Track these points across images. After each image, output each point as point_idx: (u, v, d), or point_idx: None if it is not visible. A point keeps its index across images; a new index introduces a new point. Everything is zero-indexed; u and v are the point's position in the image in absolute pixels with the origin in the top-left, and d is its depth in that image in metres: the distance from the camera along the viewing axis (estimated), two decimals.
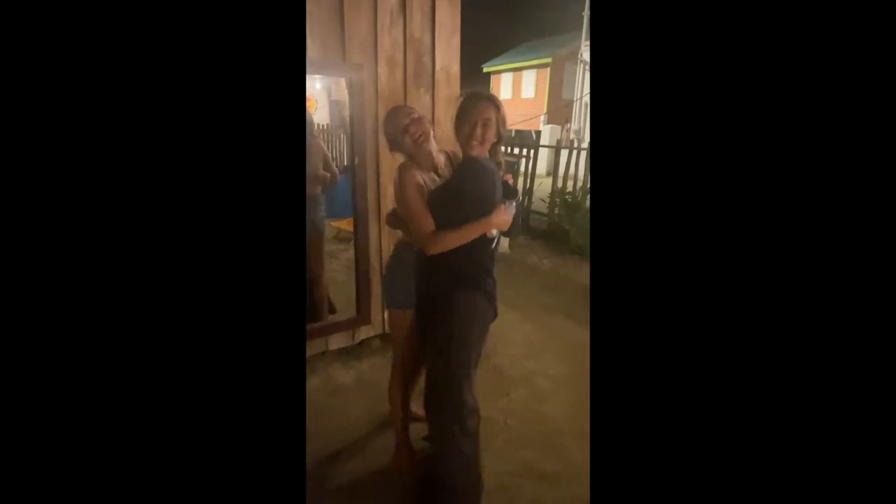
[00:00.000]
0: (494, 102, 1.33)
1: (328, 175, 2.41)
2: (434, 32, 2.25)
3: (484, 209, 1.30)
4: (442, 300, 1.36)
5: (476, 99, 1.33)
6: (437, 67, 2.31)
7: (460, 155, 1.40)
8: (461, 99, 1.36)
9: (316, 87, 7.13)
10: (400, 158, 1.43)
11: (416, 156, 1.40)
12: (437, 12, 2.24)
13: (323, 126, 6.99)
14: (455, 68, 2.37)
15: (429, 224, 1.31)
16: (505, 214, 1.34)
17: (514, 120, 14.84)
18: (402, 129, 1.39)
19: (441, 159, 1.45)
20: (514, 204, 1.38)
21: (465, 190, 1.30)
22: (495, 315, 1.44)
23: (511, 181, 1.48)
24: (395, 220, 1.53)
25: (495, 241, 1.39)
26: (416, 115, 1.40)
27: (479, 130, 1.29)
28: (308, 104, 7.19)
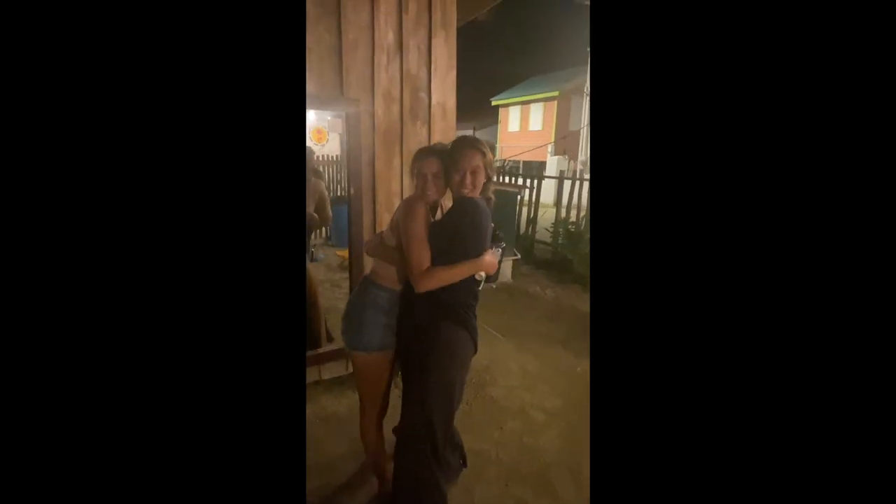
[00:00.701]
0: (480, 149, 1.38)
1: (316, 216, 2.46)
2: (430, 69, 2.34)
3: (476, 250, 1.35)
4: (425, 335, 1.37)
5: (463, 147, 1.38)
6: (434, 102, 2.38)
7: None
8: (451, 145, 1.42)
9: (327, 119, 7.36)
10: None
11: (426, 198, 1.42)
12: (433, 50, 2.33)
13: (333, 157, 7.19)
14: (451, 103, 2.44)
15: (427, 260, 1.32)
16: (494, 258, 1.40)
17: (522, 151, 15.08)
18: (422, 178, 1.41)
19: (443, 202, 1.49)
20: (500, 251, 1.45)
21: (461, 230, 1.34)
22: (475, 351, 1.45)
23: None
24: (377, 248, 1.49)
25: (481, 282, 1.43)
26: (437, 171, 1.40)
27: (468, 179, 1.35)
28: (319, 136, 7.42)
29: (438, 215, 1.51)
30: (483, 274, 1.40)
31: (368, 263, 2.35)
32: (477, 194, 1.39)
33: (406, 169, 2.33)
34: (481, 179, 1.38)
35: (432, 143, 2.39)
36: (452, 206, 1.40)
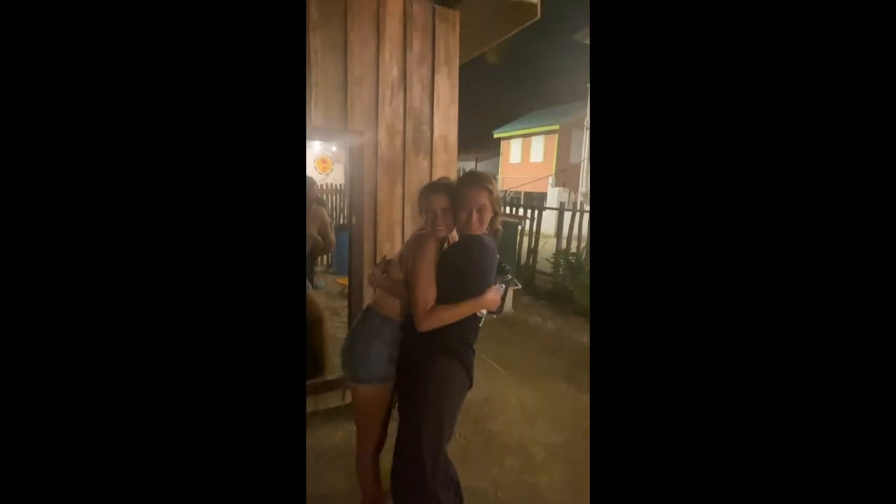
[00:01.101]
0: (486, 186, 1.39)
1: (320, 240, 2.47)
2: (433, 103, 2.40)
3: (480, 287, 1.35)
4: (420, 367, 1.37)
5: (469, 185, 1.39)
6: (436, 135, 2.43)
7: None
8: (458, 181, 1.44)
9: (332, 150, 7.51)
10: None
11: (436, 234, 1.42)
12: (436, 85, 2.40)
13: (336, 186, 7.30)
14: (452, 136, 2.50)
15: (432, 299, 1.32)
16: (496, 294, 1.40)
17: (524, 182, 15.26)
18: (431, 214, 1.41)
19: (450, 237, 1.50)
20: (503, 287, 1.44)
21: (466, 270, 1.34)
22: (471, 385, 1.44)
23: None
24: (382, 281, 1.48)
25: (482, 318, 1.43)
26: (445, 206, 1.41)
27: (475, 216, 1.36)
28: (323, 166, 7.56)
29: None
30: (484, 311, 1.40)
31: (368, 293, 2.35)
32: (484, 230, 1.40)
33: (408, 200, 2.36)
34: (488, 217, 1.39)
35: (434, 174, 2.43)
36: (458, 245, 1.41)
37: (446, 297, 1.33)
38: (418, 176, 2.38)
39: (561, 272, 5.04)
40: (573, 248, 5.18)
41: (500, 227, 1.47)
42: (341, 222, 7.00)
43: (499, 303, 1.42)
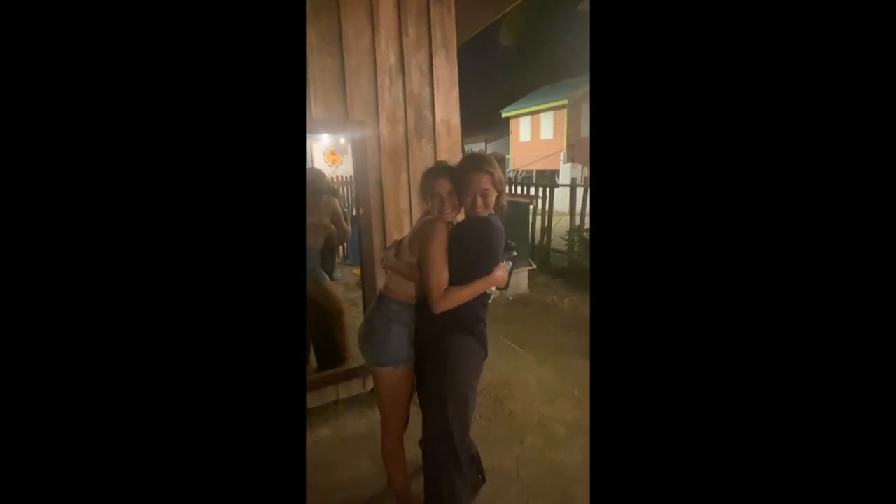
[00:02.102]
0: (487, 169, 1.40)
1: (334, 228, 2.49)
2: (433, 88, 2.38)
3: (490, 265, 1.40)
4: (437, 346, 1.42)
5: (471, 170, 1.40)
6: (438, 120, 2.41)
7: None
8: (459, 165, 1.46)
9: (340, 142, 7.51)
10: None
11: (443, 218, 1.45)
12: (435, 69, 2.37)
13: (347, 178, 7.31)
14: (455, 120, 2.47)
15: (446, 282, 1.35)
16: (504, 272, 1.45)
17: (534, 160, 15.06)
18: (437, 198, 1.43)
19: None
20: (510, 263, 1.49)
21: (476, 252, 1.38)
22: (486, 356, 1.50)
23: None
24: (395, 264, 1.50)
25: (492, 295, 1.48)
26: (450, 189, 1.43)
27: (479, 200, 1.38)
28: (333, 159, 7.57)
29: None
30: (494, 288, 1.44)
31: (381, 282, 2.38)
32: (490, 211, 1.42)
33: (414, 187, 2.35)
34: (492, 200, 1.41)
35: (438, 160, 2.42)
36: (468, 227, 1.43)
37: (458, 277, 1.36)
38: (423, 162, 2.37)
39: (576, 249, 5.00)
40: (587, 225, 5.12)
41: (504, 203, 1.48)
42: (354, 213, 7.04)
43: (507, 279, 1.47)
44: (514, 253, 1.53)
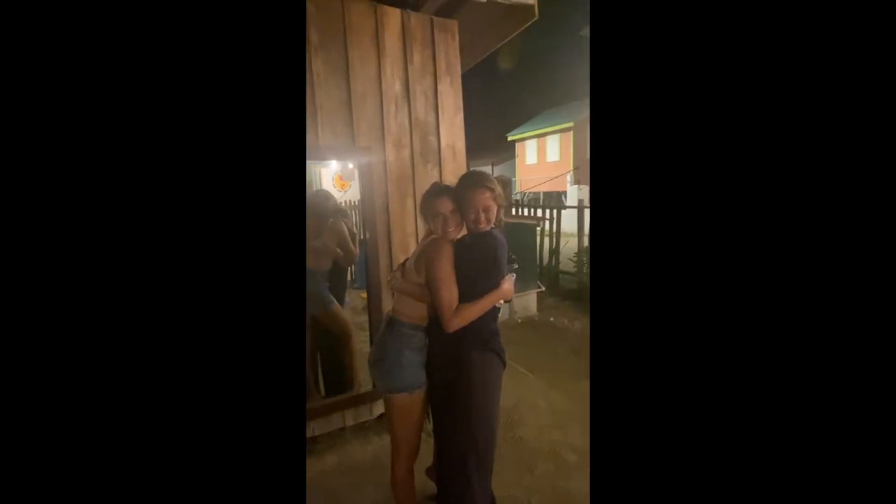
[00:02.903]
0: (488, 186, 1.42)
1: (339, 252, 2.49)
2: (438, 113, 2.41)
3: (496, 279, 1.41)
4: (458, 366, 1.41)
5: (471, 187, 1.42)
6: (443, 145, 2.44)
7: None
8: (458, 184, 1.48)
9: (349, 167, 7.62)
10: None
11: (448, 236, 1.45)
12: (439, 95, 2.41)
13: (356, 202, 7.39)
14: (460, 144, 2.50)
15: (456, 299, 1.35)
16: (510, 284, 1.46)
17: (540, 182, 15.13)
18: (440, 217, 1.44)
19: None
20: (514, 275, 1.50)
21: (485, 267, 1.39)
22: (504, 366, 1.50)
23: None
24: (404, 286, 1.49)
25: (500, 308, 1.49)
26: (452, 207, 1.44)
27: (482, 216, 1.40)
28: (342, 184, 7.67)
29: None
30: (503, 301, 1.45)
31: (387, 306, 2.36)
32: (490, 226, 1.43)
33: (419, 211, 2.37)
34: (493, 216, 1.42)
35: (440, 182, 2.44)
36: (471, 242, 1.43)
37: (467, 293, 1.37)
38: (428, 187, 2.39)
39: (585, 271, 4.96)
40: None
41: (503, 217, 1.50)
42: (361, 237, 7.07)
43: (513, 292, 1.49)
44: (516, 265, 1.54)
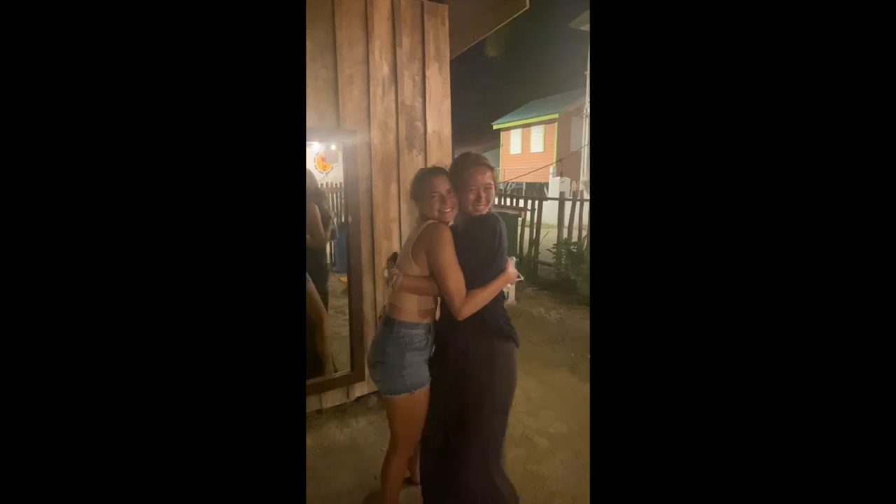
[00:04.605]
0: (487, 164, 1.40)
1: (308, 237, 2.47)
2: (425, 99, 2.40)
3: (501, 263, 1.39)
4: (477, 357, 1.39)
5: (472, 165, 1.38)
6: (429, 131, 2.43)
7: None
8: (455, 164, 1.43)
9: (331, 148, 7.51)
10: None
11: (444, 219, 1.41)
12: (427, 81, 2.39)
13: (337, 185, 7.30)
14: (446, 131, 2.50)
15: (464, 286, 1.32)
16: (514, 268, 1.45)
17: (524, 173, 15.19)
18: (436, 197, 1.38)
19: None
20: (514, 257, 1.50)
21: (494, 250, 1.37)
22: (517, 346, 1.49)
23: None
24: (405, 282, 1.39)
25: (507, 293, 1.51)
26: (449, 187, 1.39)
27: (483, 195, 1.37)
28: (324, 165, 7.56)
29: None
30: (509, 285, 1.44)
31: (367, 290, 2.37)
32: (489, 208, 1.41)
33: (404, 196, 2.36)
34: (492, 195, 1.40)
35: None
36: (475, 227, 1.40)
37: (476, 279, 1.34)
38: (413, 172, 2.37)
39: (563, 262, 5.04)
40: (574, 238, 5.17)
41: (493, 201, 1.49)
42: (343, 220, 7.01)
43: (516, 275, 1.48)
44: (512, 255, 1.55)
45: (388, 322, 1.43)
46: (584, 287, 4.46)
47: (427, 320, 1.44)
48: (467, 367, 1.39)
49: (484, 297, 1.34)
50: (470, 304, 1.32)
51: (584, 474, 1.93)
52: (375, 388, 2.49)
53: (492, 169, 1.40)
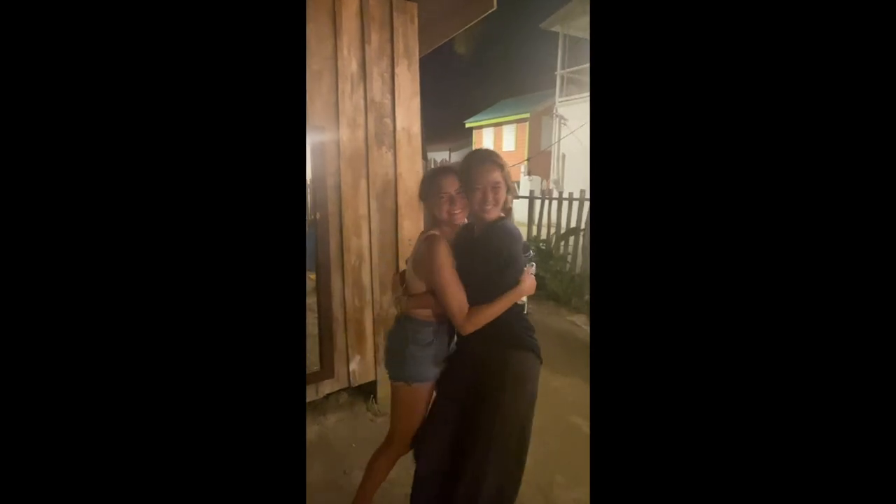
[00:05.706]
0: (497, 162, 1.32)
1: None
2: (394, 96, 2.40)
3: (514, 275, 1.29)
4: (492, 371, 1.29)
5: (480, 162, 1.31)
6: (398, 128, 2.44)
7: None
8: (464, 161, 1.36)
9: None
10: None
11: (443, 224, 1.38)
12: (396, 78, 2.40)
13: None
14: (415, 128, 2.51)
15: (465, 301, 1.27)
16: (532, 279, 1.35)
17: None
18: (445, 198, 1.34)
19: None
20: (534, 265, 1.39)
21: (498, 265, 1.27)
22: (541, 363, 1.39)
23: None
24: (411, 301, 1.40)
25: (525, 304, 1.38)
26: (458, 187, 1.33)
27: (490, 195, 1.29)
28: None
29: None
30: (525, 298, 1.35)
31: (336, 287, 2.36)
32: (499, 212, 1.33)
33: (373, 193, 2.37)
34: (502, 195, 1.31)
35: (398, 167, 2.44)
36: (482, 235, 1.33)
37: (482, 294, 1.26)
38: (382, 169, 2.39)
39: (532, 259, 5.12)
40: (543, 236, 5.27)
41: (511, 205, 1.39)
42: (312, 217, 6.90)
43: (535, 285, 1.37)
44: (532, 253, 1.44)
45: (402, 316, 1.45)
46: (552, 283, 4.56)
47: (437, 320, 1.42)
48: (473, 372, 1.33)
49: (491, 312, 1.25)
50: (472, 321, 1.25)
51: (550, 463, 1.99)
52: (345, 386, 2.49)
53: (502, 167, 1.31)
